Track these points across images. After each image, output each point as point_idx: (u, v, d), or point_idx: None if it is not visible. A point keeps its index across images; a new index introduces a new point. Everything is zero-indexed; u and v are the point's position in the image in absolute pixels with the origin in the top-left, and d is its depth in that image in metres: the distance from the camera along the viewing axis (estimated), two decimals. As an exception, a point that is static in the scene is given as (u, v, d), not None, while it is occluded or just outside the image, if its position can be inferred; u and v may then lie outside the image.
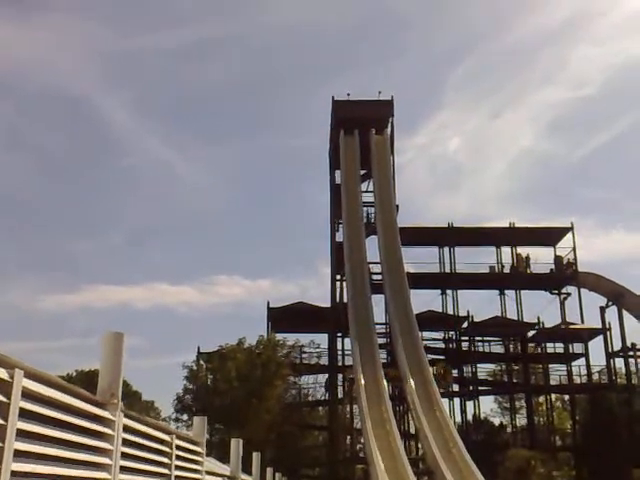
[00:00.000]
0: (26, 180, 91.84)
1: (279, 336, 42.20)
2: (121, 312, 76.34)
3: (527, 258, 48.19)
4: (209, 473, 7.23)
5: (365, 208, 46.49)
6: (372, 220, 45.97)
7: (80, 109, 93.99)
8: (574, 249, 47.17)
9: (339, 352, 44.36)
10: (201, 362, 41.91)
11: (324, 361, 44.64)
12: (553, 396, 49.09)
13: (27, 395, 2.62)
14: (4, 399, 2.43)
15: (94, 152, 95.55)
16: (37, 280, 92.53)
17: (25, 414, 2.61)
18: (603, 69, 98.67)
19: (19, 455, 2.56)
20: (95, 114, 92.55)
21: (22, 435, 2.59)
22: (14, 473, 2.50)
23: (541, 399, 49.25)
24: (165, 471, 5.02)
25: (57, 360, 67.83)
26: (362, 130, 47.25)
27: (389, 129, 48.78)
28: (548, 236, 47.97)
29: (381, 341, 41.54)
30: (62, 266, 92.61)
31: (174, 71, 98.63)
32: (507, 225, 48.08)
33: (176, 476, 5.27)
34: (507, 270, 48.30)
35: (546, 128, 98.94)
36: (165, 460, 5.03)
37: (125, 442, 3.90)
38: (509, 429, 52.36)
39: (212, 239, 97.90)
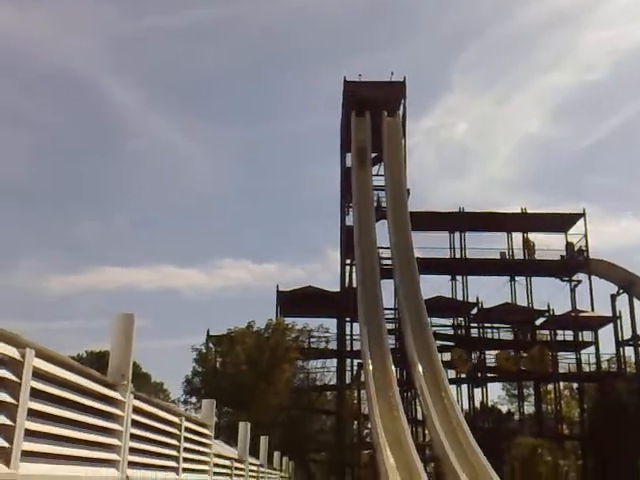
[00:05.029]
0: (32, 161, 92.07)
1: (288, 320, 42.27)
2: (127, 294, 76.61)
3: (532, 245, 47.86)
4: (217, 456, 7.26)
5: (375, 192, 46.20)
6: (382, 204, 45.70)
7: (85, 90, 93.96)
8: (585, 236, 46.78)
9: (347, 337, 44.41)
10: (210, 345, 42.06)
11: (332, 346, 44.69)
12: (561, 384, 48.97)
13: (38, 375, 2.62)
14: (15, 378, 2.42)
15: (99, 133, 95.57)
16: (43, 261, 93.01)
17: (36, 394, 2.60)
18: (612, 53, 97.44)
19: (29, 434, 2.56)
20: (100, 95, 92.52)
21: (33, 415, 2.59)
22: (25, 452, 2.50)
23: (549, 387, 49.17)
24: (173, 453, 5.04)
25: (65, 340, 68.12)
26: (374, 112, 46.70)
27: (401, 111, 48.29)
28: (559, 222, 47.53)
29: (390, 326, 41.49)
30: (68, 247, 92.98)
31: (180, 52, 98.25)
32: (519, 211, 47.76)
33: (184, 458, 5.29)
34: (518, 256, 48.03)
35: (554, 113, 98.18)
36: (174, 442, 5.04)
37: (134, 423, 3.90)
38: (517, 417, 52.37)
39: (218, 222, 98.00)
